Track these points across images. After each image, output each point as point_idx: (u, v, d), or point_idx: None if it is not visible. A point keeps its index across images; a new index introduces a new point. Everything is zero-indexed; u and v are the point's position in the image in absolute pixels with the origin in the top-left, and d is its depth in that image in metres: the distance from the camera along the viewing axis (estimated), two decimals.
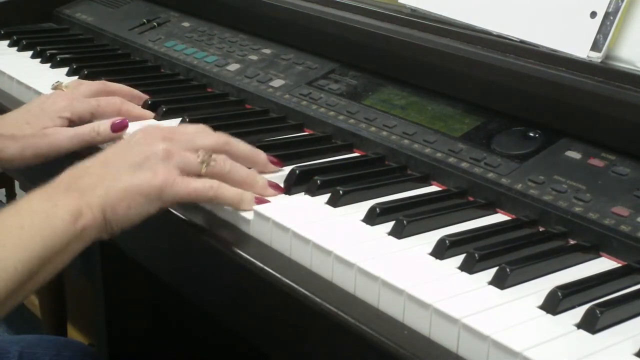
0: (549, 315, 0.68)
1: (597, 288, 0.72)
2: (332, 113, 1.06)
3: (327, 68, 1.17)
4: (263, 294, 0.78)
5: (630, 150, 0.86)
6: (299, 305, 0.73)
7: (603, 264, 0.78)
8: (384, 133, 1.00)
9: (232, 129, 1.03)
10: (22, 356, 1.15)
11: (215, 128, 1.01)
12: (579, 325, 0.66)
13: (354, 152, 1.02)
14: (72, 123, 1.03)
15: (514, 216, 0.86)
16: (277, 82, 1.17)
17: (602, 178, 0.85)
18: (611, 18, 0.94)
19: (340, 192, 0.86)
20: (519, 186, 0.87)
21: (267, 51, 1.26)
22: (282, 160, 0.94)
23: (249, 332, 0.85)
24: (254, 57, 1.25)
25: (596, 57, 0.94)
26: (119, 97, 1.09)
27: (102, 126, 1.00)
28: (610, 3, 0.95)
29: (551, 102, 0.92)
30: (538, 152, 0.90)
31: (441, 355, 0.66)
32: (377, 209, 0.82)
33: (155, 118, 1.10)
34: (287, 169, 0.92)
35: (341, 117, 1.05)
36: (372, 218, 0.82)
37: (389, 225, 0.81)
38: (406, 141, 0.98)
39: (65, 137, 1.00)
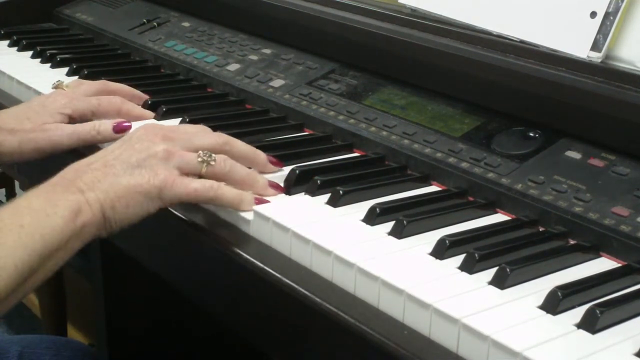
0: (549, 315, 0.68)
1: (597, 288, 0.72)
2: (332, 113, 1.07)
3: (327, 68, 1.17)
4: (263, 294, 0.78)
5: (630, 150, 0.86)
6: (299, 306, 0.73)
7: (603, 264, 0.78)
8: (384, 133, 1.00)
9: (232, 129, 1.03)
10: (22, 356, 1.15)
11: (215, 128, 1.01)
12: (579, 325, 0.66)
13: (354, 152, 1.02)
14: (72, 120, 1.04)
15: (514, 216, 0.86)
16: (277, 82, 1.17)
17: (602, 178, 0.85)
18: (611, 18, 0.94)
19: (340, 192, 0.86)
20: (519, 186, 0.87)
21: (267, 51, 1.26)
22: (282, 160, 0.94)
23: (249, 332, 0.85)
24: (254, 57, 1.25)
25: (596, 57, 0.94)
26: (119, 97, 1.09)
27: (103, 126, 1.00)
28: (610, 3, 0.95)
29: (551, 102, 0.92)
30: (538, 152, 0.90)
31: (441, 355, 0.66)
32: (377, 209, 0.83)
33: (155, 118, 1.10)
34: (287, 169, 0.92)
35: (341, 117, 1.05)
36: (372, 218, 0.82)
37: (389, 225, 0.81)
38: (406, 141, 0.98)
39: (65, 133, 1.00)
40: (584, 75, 0.91)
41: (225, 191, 0.83)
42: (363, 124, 1.03)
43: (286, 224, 0.79)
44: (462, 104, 1.01)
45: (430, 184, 0.94)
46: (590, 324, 0.66)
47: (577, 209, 0.82)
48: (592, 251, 0.79)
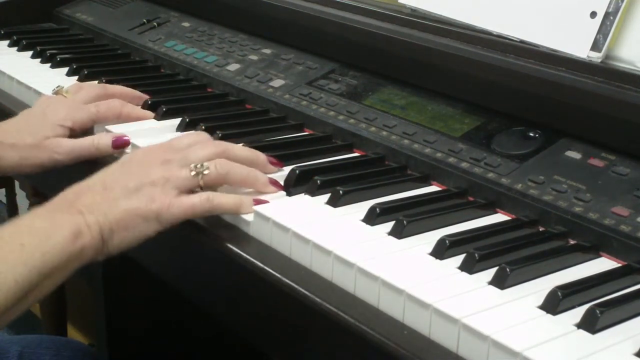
0: (549, 315, 0.68)
1: (597, 288, 0.72)
2: (332, 113, 1.06)
3: (327, 68, 1.17)
4: (263, 294, 0.78)
5: (630, 150, 0.86)
6: (299, 306, 0.73)
7: (603, 264, 0.78)
8: (384, 133, 1.00)
9: (232, 129, 1.03)
10: (22, 356, 1.15)
11: (215, 128, 1.02)
12: (579, 325, 0.66)
13: (354, 152, 1.02)
14: (73, 131, 1.04)
15: (514, 216, 0.86)
16: (277, 82, 1.17)
17: (602, 178, 0.85)
18: (611, 18, 0.94)
19: (340, 192, 0.86)
20: (519, 186, 0.87)
21: (267, 51, 1.26)
22: (282, 160, 0.94)
23: (249, 332, 0.85)
24: (254, 57, 1.25)
25: (596, 57, 0.94)
26: (118, 100, 1.09)
27: (102, 141, 1.00)
28: (610, 3, 0.95)
29: (551, 102, 0.92)
30: (538, 152, 0.90)
31: (441, 355, 0.66)
32: (377, 209, 0.82)
33: (155, 118, 1.10)
34: (287, 169, 0.92)
35: (341, 117, 1.05)
36: (372, 218, 0.82)
37: (389, 225, 0.81)
38: (406, 141, 0.98)
39: (65, 151, 1.00)
40: (584, 75, 0.91)
41: (223, 199, 0.83)
42: (363, 124, 1.03)
43: (286, 224, 0.79)
44: (462, 104, 1.01)
45: (430, 184, 0.94)
46: (590, 324, 0.66)
47: (577, 209, 0.82)
48: (592, 251, 0.79)
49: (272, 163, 0.92)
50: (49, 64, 1.35)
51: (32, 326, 2.13)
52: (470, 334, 0.65)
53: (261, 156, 0.91)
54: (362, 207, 0.84)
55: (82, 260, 0.79)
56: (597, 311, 0.66)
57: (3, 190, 2.29)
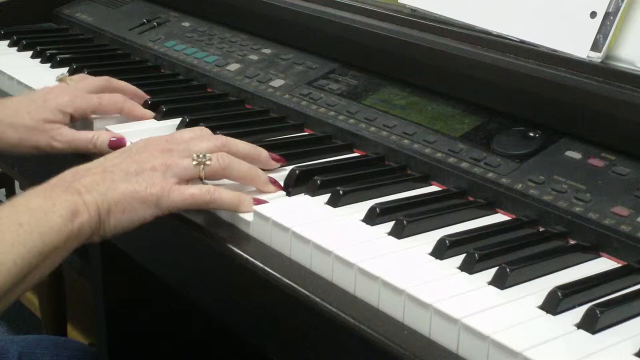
0: (549, 315, 0.68)
1: (597, 288, 0.72)
2: (332, 113, 1.07)
3: (327, 68, 1.17)
4: (263, 294, 0.78)
5: (630, 150, 0.86)
6: (299, 306, 0.73)
7: (603, 264, 0.78)
8: (384, 133, 1.00)
9: (232, 129, 1.03)
10: (22, 356, 1.15)
11: (215, 128, 1.02)
12: (579, 325, 0.66)
13: (354, 152, 1.02)
14: (73, 119, 1.04)
15: (514, 216, 0.86)
16: (277, 82, 1.17)
17: (602, 178, 0.85)
18: (611, 18, 0.94)
19: (340, 192, 0.86)
20: (519, 186, 0.87)
21: (267, 51, 1.26)
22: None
23: (249, 332, 0.85)
24: (254, 57, 1.25)
25: (596, 57, 0.94)
26: (121, 95, 1.09)
27: (100, 139, 1.00)
28: (610, 3, 0.95)
29: (551, 102, 0.92)
30: (538, 152, 0.90)
31: (441, 355, 0.66)
32: (377, 209, 0.82)
33: (155, 118, 1.10)
34: (287, 169, 0.92)
35: (341, 117, 1.05)
36: (372, 218, 0.82)
37: (389, 225, 0.81)
38: (406, 141, 0.98)
39: (64, 140, 1.00)
40: (584, 75, 0.91)
41: (223, 194, 0.83)
42: (363, 124, 1.03)
43: (286, 224, 0.79)
44: (462, 104, 1.01)
45: (430, 184, 0.94)
46: (590, 324, 0.66)
47: (577, 209, 0.82)
48: (592, 251, 0.79)
49: (274, 159, 0.92)
50: (49, 64, 1.35)
51: (32, 326, 2.13)
52: (470, 334, 0.65)
53: (263, 152, 0.92)
54: (362, 207, 0.84)
55: (79, 240, 0.78)
56: (597, 311, 0.66)
57: (3, 190, 2.30)
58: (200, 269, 0.88)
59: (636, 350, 0.64)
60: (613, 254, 0.79)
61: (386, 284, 0.70)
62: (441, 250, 0.76)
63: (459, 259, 0.75)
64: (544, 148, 0.91)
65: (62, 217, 0.76)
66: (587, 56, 0.95)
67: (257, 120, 1.11)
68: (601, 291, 0.71)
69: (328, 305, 0.71)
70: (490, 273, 0.73)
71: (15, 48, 1.44)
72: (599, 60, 0.94)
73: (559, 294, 0.68)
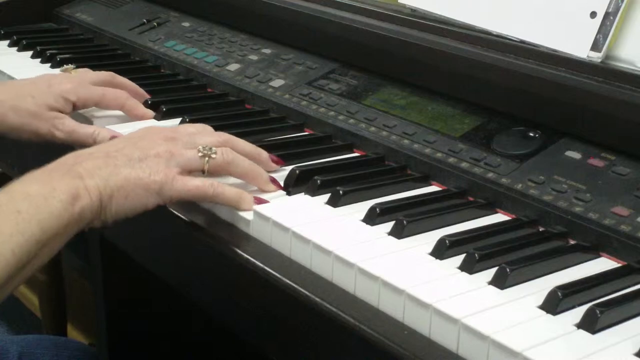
0: (549, 315, 0.68)
1: (597, 288, 0.72)
2: (332, 113, 1.07)
3: (327, 68, 1.17)
4: (263, 294, 0.78)
5: (630, 150, 0.86)
6: (299, 305, 0.73)
7: (603, 264, 0.78)
8: (384, 133, 1.00)
9: (232, 129, 1.03)
10: (22, 356, 1.15)
11: (216, 128, 1.01)
12: (579, 325, 0.66)
13: (354, 152, 1.02)
14: (75, 107, 1.04)
15: (514, 216, 0.86)
16: (277, 82, 1.17)
17: (602, 178, 0.85)
18: (611, 18, 0.94)
19: (340, 192, 0.86)
20: (519, 186, 0.87)
21: (267, 51, 1.26)
22: (282, 160, 0.94)
23: (249, 332, 0.85)
24: (254, 57, 1.25)
25: (596, 57, 0.94)
26: (125, 92, 1.08)
27: (101, 135, 1.00)
28: (610, 3, 0.95)
29: (551, 102, 0.92)
30: (538, 152, 0.90)
31: (441, 355, 0.66)
32: (377, 209, 0.82)
33: (155, 118, 1.10)
34: (287, 169, 0.92)
35: (341, 117, 1.05)
36: (372, 218, 0.82)
37: (389, 225, 0.81)
38: (406, 141, 0.98)
39: (66, 130, 1.00)
40: (584, 75, 0.91)
41: (226, 189, 0.83)
42: (363, 124, 1.03)
43: (286, 224, 0.79)
44: (462, 104, 1.01)
45: (430, 184, 0.94)
46: (590, 324, 0.66)
47: (577, 209, 0.82)
48: (592, 251, 0.79)
49: (273, 161, 0.92)
50: (49, 64, 1.35)
51: (32, 326, 2.13)
52: (470, 334, 0.65)
53: (263, 153, 0.92)
54: (362, 207, 0.84)
55: (80, 224, 0.77)
56: (597, 311, 0.66)
57: None
58: (200, 269, 0.88)
59: (636, 350, 0.64)
60: (613, 254, 0.79)
61: (386, 284, 0.70)
62: (441, 250, 0.76)
63: (459, 259, 0.75)
64: (544, 148, 0.91)
65: (62, 202, 0.75)
66: (587, 56, 0.95)
67: (257, 120, 1.11)
68: (601, 291, 0.71)
69: (328, 305, 0.71)
70: (490, 273, 0.73)
71: (15, 48, 1.44)
72: (599, 60, 0.94)
73: (559, 294, 0.68)
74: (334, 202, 0.86)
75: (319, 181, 0.89)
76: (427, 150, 0.95)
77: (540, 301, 0.69)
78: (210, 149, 0.84)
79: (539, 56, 0.96)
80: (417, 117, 1.01)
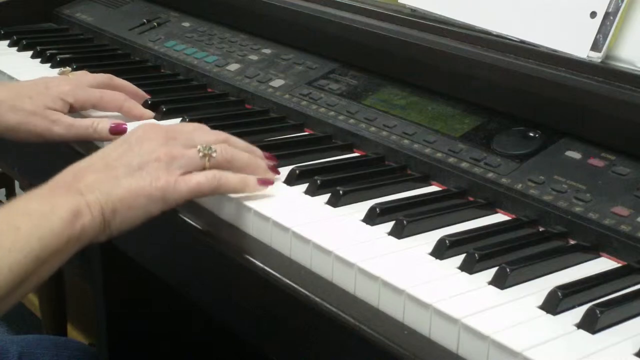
0: (549, 315, 0.68)
1: (597, 288, 0.72)
2: (332, 113, 1.07)
3: (327, 68, 1.17)
4: (263, 294, 0.78)
5: (630, 150, 0.86)
6: (299, 305, 0.73)
7: (603, 264, 0.78)
8: (384, 133, 1.00)
9: (232, 129, 1.03)
10: (22, 356, 1.15)
11: (215, 128, 1.01)
12: (579, 325, 0.66)
13: (354, 152, 1.02)
14: (72, 109, 1.04)
15: (514, 216, 0.86)
16: (277, 82, 1.17)
17: (602, 178, 0.85)
18: (611, 18, 0.94)
19: (340, 192, 0.86)
20: (519, 186, 0.87)
21: (267, 51, 1.26)
22: (281, 160, 0.94)
23: (249, 332, 0.85)
24: (254, 57, 1.25)
25: (596, 57, 0.94)
26: (123, 94, 1.08)
27: (101, 124, 1.00)
28: (610, 3, 0.95)
29: (551, 102, 0.92)
30: (538, 152, 0.90)
31: (441, 355, 0.66)
32: (377, 209, 0.82)
33: (155, 118, 1.10)
34: (287, 169, 0.92)
35: (341, 117, 1.05)
36: (372, 218, 0.82)
37: (389, 225, 0.81)
38: (406, 141, 0.98)
39: (63, 125, 1.00)
40: (584, 75, 0.91)
41: (229, 177, 0.82)
42: (363, 124, 1.03)
43: (286, 224, 0.79)
44: (462, 104, 1.01)
45: (430, 184, 0.94)
46: (590, 324, 0.66)
47: (577, 209, 0.82)
48: (592, 251, 0.79)
49: (267, 157, 0.92)
50: (49, 64, 1.35)
51: (32, 326, 2.13)
52: (470, 334, 0.65)
53: (257, 151, 0.91)
54: (362, 207, 0.84)
55: (81, 242, 0.76)
56: (597, 311, 0.66)
57: (3, 190, 2.30)
58: (200, 268, 0.88)
59: (636, 350, 0.64)
60: (613, 254, 0.79)
61: (386, 284, 0.70)
62: (441, 250, 0.76)
63: (459, 259, 0.75)
64: (544, 148, 0.91)
65: (63, 220, 0.74)
66: (587, 56, 0.95)
67: (257, 120, 1.11)
68: (601, 291, 0.71)
69: (328, 305, 0.71)
70: (490, 273, 0.73)
71: (15, 48, 1.44)
72: (599, 60, 0.94)
73: (559, 294, 0.68)
74: (334, 202, 0.86)
75: (319, 181, 0.89)
76: (427, 150, 0.95)
77: (540, 301, 0.69)
78: (210, 147, 0.83)
79: (539, 56, 0.96)
80: (417, 117, 1.01)
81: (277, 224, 0.80)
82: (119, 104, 1.07)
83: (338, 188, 0.87)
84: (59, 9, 1.62)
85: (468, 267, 0.74)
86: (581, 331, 0.66)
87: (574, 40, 0.96)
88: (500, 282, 0.71)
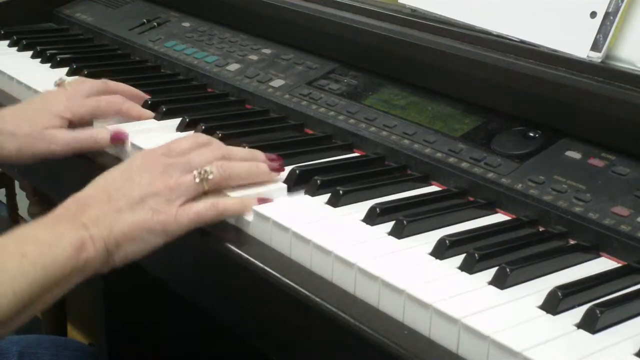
0: (549, 315, 0.68)
1: (597, 288, 0.72)
2: (332, 113, 1.06)
3: (327, 68, 1.17)
4: (263, 294, 0.78)
5: (630, 150, 0.86)
6: (299, 305, 0.73)
7: (603, 264, 0.78)
8: (384, 133, 1.00)
9: (232, 129, 1.03)
10: (22, 356, 1.15)
11: (215, 128, 1.02)
12: (579, 325, 0.66)
13: (354, 152, 1.02)
14: (71, 124, 1.04)
15: (514, 216, 0.86)
16: (277, 82, 1.17)
17: (602, 178, 0.85)
18: (611, 18, 0.94)
19: (340, 192, 0.86)
20: (519, 186, 0.87)
21: (267, 51, 1.26)
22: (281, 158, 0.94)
23: (249, 332, 0.85)
24: (254, 57, 1.25)
25: (596, 57, 0.94)
26: (120, 96, 1.08)
27: (101, 134, 1.00)
28: (610, 3, 0.95)
29: (551, 102, 0.92)
30: (538, 152, 0.90)
31: (441, 355, 0.66)
32: (377, 209, 0.82)
33: (155, 118, 1.10)
34: (287, 169, 0.92)
35: (341, 117, 1.05)
36: (372, 218, 0.82)
37: (389, 225, 0.81)
38: (406, 141, 0.98)
39: (62, 142, 1.00)
40: (584, 75, 0.91)
41: (228, 204, 0.83)
42: (363, 124, 1.03)
43: (286, 224, 0.79)
44: (462, 104, 1.01)
45: (430, 184, 0.94)
46: (590, 324, 0.66)
47: (577, 209, 0.82)
48: (592, 251, 0.79)
49: (271, 159, 0.92)
50: (49, 64, 1.35)
51: (32, 326, 2.13)
52: (470, 334, 0.65)
53: (260, 155, 0.91)
54: (362, 207, 0.84)
55: (85, 274, 0.78)
56: (597, 311, 0.66)
57: (3, 190, 2.30)
58: (201, 269, 0.88)
59: (636, 350, 0.64)
60: (613, 254, 0.79)
61: (386, 284, 0.70)
62: (441, 250, 0.76)
63: (459, 259, 0.75)
64: (544, 148, 0.91)
65: (67, 251, 0.75)
66: (587, 56, 0.95)
67: (257, 120, 1.11)
68: (601, 291, 0.71)
69: (328, 305, 0.71)
70: (490, 273, 0.73)
71: (15, 48, 1.44)
72: (599, 60, 0.94)
73: (559, 294, 0.68)
74: (334, 202, 0.86)
75: (319, 181, 0.89)
76: (427, 150, 0.95)
77: (540, 301, 0.69)
78: (205, 171, 0.83)
79: (539, 56, 0.96)
80: (417, 117, 1.01)
81: (277, 224, 0.80)
82: (117, 107, 1.07)
83: (338, 188, 0.87)
84: (59, 9, 1.62)
85: (468, 267, 0.74)
86: (581, 331, 0.66)
87: (574, 40, 0.96)
88: (500, 282, 0.71)
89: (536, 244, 0.79)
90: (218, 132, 1.01)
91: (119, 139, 1.00)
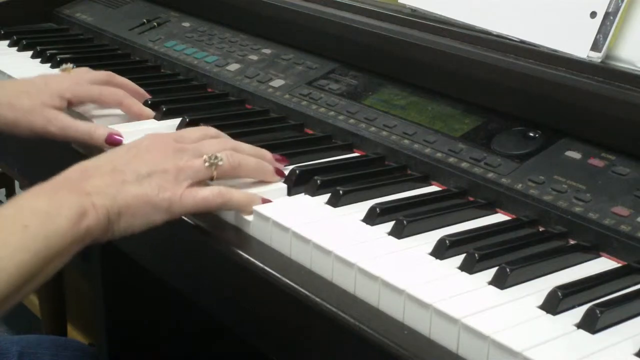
0: (549, 315, 0.68)
1: (597, 288, 0.72)
2: (332, 113, 1.07)
3: (327, 68, 1.17)
4: (263, 294, 0.78)
5: (630, 150, 0.86)
6: (299, 305, 0.73)
7: (603, 264, 0.78)
8: (384, 133, 1.00)
9: (232, 129, 1.03)
10: (22, 356, 1.15)
11: (216, 128, 1.01)
12: (579, 325, 0.66)
13: (354, 152, 1.02)
14: (70, 104, 1.03)
15: (514, 216, 0.86)
16: (277, 82, 1.17)
17: (602, 178, 0.85)
18: (611, 18, 0.94)
19: (340, 192, 0.86)
20: (519, 186, 0.87)
21: (267, 51, 1.26)
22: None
23: (249, 332, 0.85)
24: (254, 57, 1.25)
25: (596, 57, 0.94)
26: (122, 91, 1.08)
27: (98, 132, 0.99)
28: (610, 3, 0.95)
29: (551, 102, 0.92)
30: (538, 152, 0.91)
31: (441, 355, 0.66)
32: (377, 209, 0.82)
33: (155, 118, 1.10)
34: (287, 169, 0.92)
35: (341, 117, 1.05)
36: (372, 218, 0.82)
37: (389, 225, 0.81)
38: (406, 141, 0.98)
39: (60, 126, 0.99)
40: (584, 75, 0.91)
41: (234, 195, 0.83)
42: (363, 124, 1.03)
43: (286, 224, 0.79)
44: (462, 104, 1.01)
45: (430, 184, 0.94)
46: (590, 324, 0.66)
47: (577, 209, 0.82)
48: (592, 251, 0.79)
49: (277, 160, 0.92)
50: (49, 64, 1.35)
51: (32, 326, 2.13)
52: (470, 334, 0.65)
53: (267, 155, 0.91)
54: (362, 207, 0.84)
55: (84, 242, 0.76)
56: (597, 311, 0.66)
57: (3, 190, 2.30)
58: (201, 268, 0.88)
59: (636, 350, 0.64)
60: (613, 254, 0.79)
61: (386, 284, 0.70)
62: (441, 250, 0.76)
63: (459, 259, 0.75)
64: (544, 148, 0.91)
65: (69, 220, 0.74)
66: (587, 56, 0.95)
67: (257, 120, 1.11)
68: (601, 291, 0.71)
69: (328, 305, 0.71)
70: (490, 273, 0.73)
71: (15, 48, 1.44)
72: (599, 60, 0.94)
73: (559, 294, 0.68)
74: (334, 202, 0.86)
75: (319, 181, 0.89)
76: (427, 150, 0.95)
77: (540, 301, 0.69)
78: (216, 156, 0.83)
79: (539, 56, 0.96)
80: (417, 117, 1.01)
81: (277, 224, 0.80)
82: (119, 100, 1.07)
83: (338, 188, 0.87)
84: (59, 9, 1.62)
85: (468, 267, 0.74)
86: (581, 331, 0.66)
87: (574, 40, 0.96)
88: (500, 282, 0.71)
89: (536, 244, 0.79)
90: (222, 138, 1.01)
91: (113, 142, 0.99)
